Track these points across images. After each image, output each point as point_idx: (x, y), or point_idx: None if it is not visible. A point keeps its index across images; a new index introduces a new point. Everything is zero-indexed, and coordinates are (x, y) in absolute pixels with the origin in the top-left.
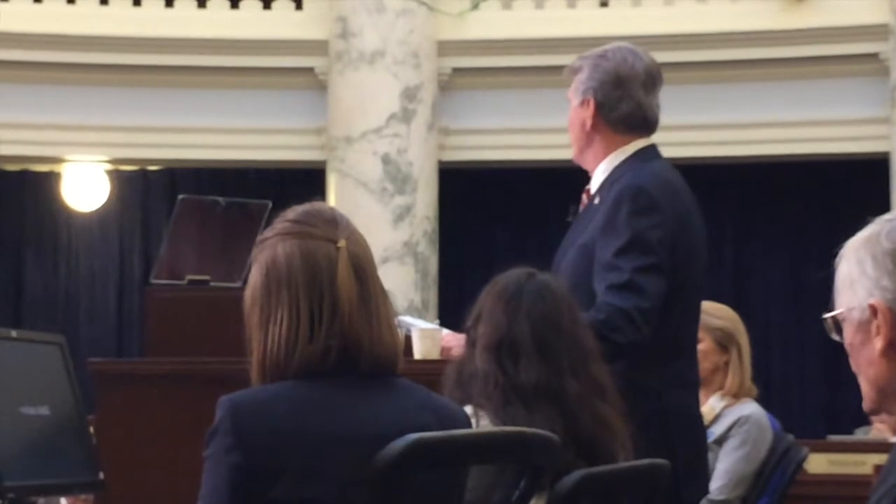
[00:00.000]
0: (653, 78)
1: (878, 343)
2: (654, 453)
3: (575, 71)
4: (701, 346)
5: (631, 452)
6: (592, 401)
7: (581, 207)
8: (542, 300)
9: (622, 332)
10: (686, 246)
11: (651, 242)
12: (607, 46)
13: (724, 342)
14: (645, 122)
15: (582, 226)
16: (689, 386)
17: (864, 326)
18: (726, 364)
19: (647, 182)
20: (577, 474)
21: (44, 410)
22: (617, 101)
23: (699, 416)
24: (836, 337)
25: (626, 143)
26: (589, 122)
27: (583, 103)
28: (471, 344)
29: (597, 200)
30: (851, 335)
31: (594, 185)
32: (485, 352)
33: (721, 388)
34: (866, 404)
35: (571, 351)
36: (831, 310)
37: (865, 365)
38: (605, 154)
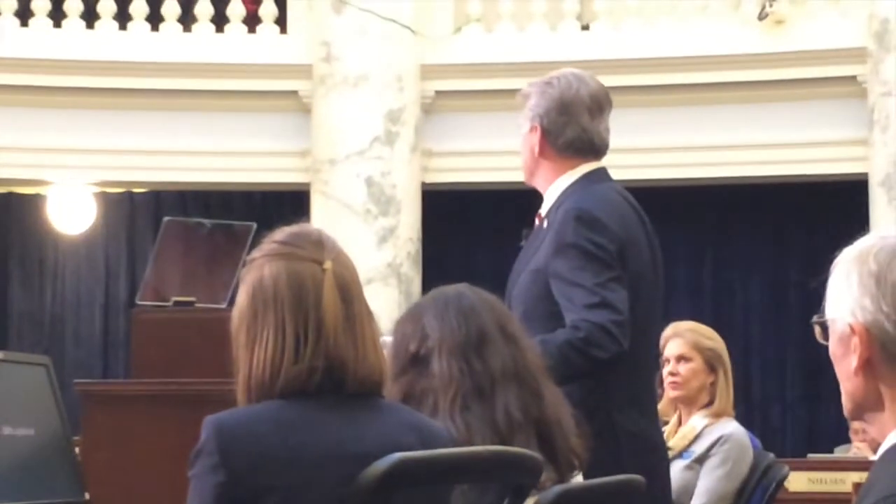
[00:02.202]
0: (599, 103)
1: (854, 361)
2: (603, 473)
3: (525, 97)
4: (691, 365)
5: (575, 429)
6: (546, 378)
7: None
8: (482, 296)
9: (603, 347)
10: (635, 265)
11: (603, 257)
12: (555, 73)
13: (713, 362)
14: (592, 147)
15: (532, 250)
16: (642, 405)
17: (844, 340)
18: (712, 384)
19: (589, 203)
20: (554, 490)
21: (30, 431)
22: (562, 127)
23: (653, 436)
24: (822, 341)
25: (574, 166)
26: (536, 148)
27: (531, 129)
28: (421, 363)
29: (545, 224)
30: (834, 345)
31: (544, 209)
32: (449, 356)
33: (704, 407)
34: (846, 413)
35: (521, 332)
36: (821, 314)
37: (844, 377)
38: (554, 178)
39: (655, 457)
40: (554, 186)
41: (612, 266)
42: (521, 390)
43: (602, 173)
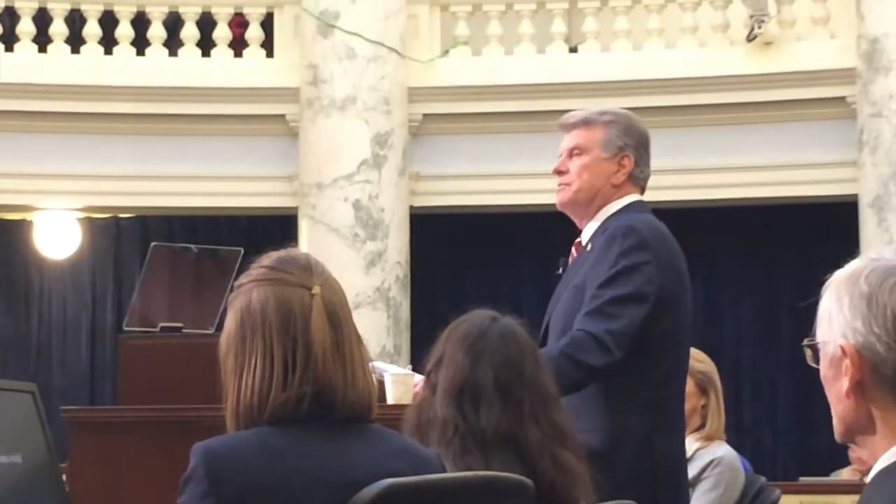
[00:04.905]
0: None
1: (846, 383)
2: (637, 496)
3: (602, 123)
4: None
5: (592, 497)
6: (553, 447)
7: (570, 260)
8: (506, 345)
9: (592, 354)
10: (676, 291)
11: (635, 277)
12: (619, 109)
13: (705, 385)
14: (647, 183)
15: (575, 271)
16: (677, 430)
17: (836, 362)
18: (703, 407)
19: (639, 223)
20: None
21: (16, 459)
22: (645, 164)
23: (684, 461)
24: (813, 364)
25: (623, 196)
26: (621, 178)
27: (618, 158)
28: (431, 388)
29: (589, 248)
30: (825, 368)
31: (585, 236)
32: (446, 396)
33: (695, 430)
34: (837, 436)
35: (533, 396)
36: (812, 337)
37: (835, 400)
38: (604, 205)
39: (682, 480)
40: (601, 213)
41: (637, 285)
42: (517, 459)
43: (644, 204)
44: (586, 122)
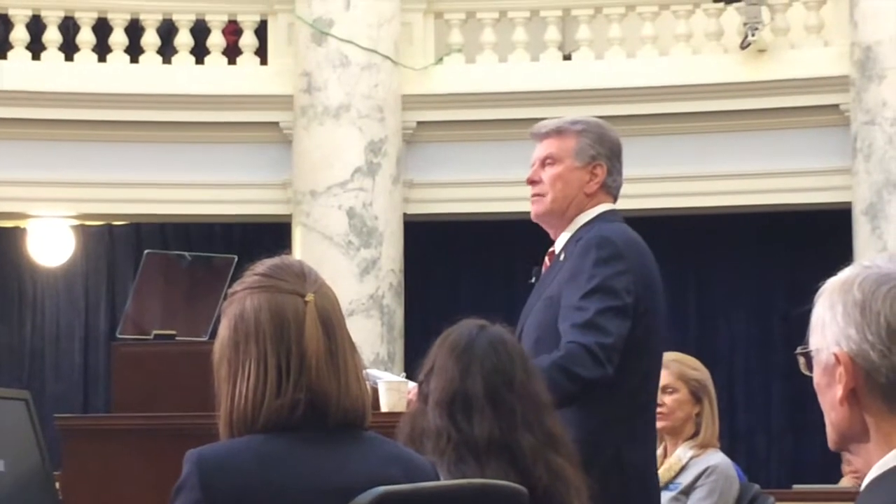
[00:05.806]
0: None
1: (839, 391)
2: None
3: (574, 133)
4: (676, 396)
5: (587, 502)
6: (546, 453)
7: (544, 269)
8: (495, 353)
9: (584, 366)
10: (649, 302)
11: (616, 288)
12: (589, 118)
13: (699, 393)
14: (619, 192)
15: (548, 281)
16: (648, 441)
17: (829, 370)
18: (697, 415)
19: (612, 233)
20: None
21: (9, 467)
22: (618, 172)
23: (655, 472)
24: (806, 372)
25: (595, 205)
26: (594, 187)
27: (591, 167)
28: (423, 398)
29: (562, 257)
30: (819, 376)
31: (559, 245)
32: (437, 407)
33: (689, 437)
34: (830, 444)
35: (525, 404)
36: (805, 345)
37: (829, 408)
38: (577, 214)
39: (653, 491)
40: (574, 222)
41: (620, 297)
42: (510, 466)
43: (617, 213)
44: (558, 132)
